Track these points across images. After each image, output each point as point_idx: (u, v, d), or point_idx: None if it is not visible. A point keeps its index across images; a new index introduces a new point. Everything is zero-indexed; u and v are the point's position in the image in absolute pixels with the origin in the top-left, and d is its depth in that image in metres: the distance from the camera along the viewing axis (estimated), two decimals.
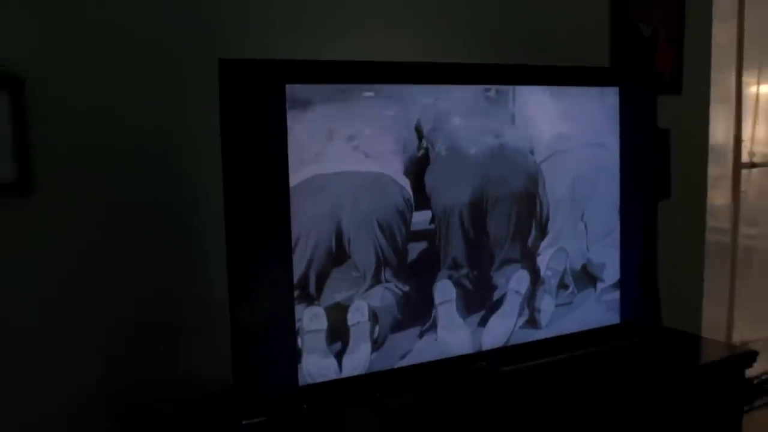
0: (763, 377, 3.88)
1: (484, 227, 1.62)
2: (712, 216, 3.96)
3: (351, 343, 1.48)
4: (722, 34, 3.68)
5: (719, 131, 3.80)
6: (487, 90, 1.62)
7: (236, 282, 1.36)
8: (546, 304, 1.72)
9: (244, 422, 1.36)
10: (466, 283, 1.61)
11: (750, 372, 4.10)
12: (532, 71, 1.72)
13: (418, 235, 1.54)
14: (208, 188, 1.54)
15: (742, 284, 3.82)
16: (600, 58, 2.32)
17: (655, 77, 2.00)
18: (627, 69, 2.03)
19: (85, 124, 1.55)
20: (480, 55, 1.99)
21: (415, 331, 1.55)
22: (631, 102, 1.81)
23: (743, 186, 3.73)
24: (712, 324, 3.97)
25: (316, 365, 1.45)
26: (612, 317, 1.82)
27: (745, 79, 4.16)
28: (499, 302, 1.66)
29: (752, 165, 3.71)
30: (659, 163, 2.45)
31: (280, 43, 1.70)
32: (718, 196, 3.88)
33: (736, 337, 3.82)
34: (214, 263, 1.51)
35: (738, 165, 3.68)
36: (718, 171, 3.87)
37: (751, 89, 4.13)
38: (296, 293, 1.41)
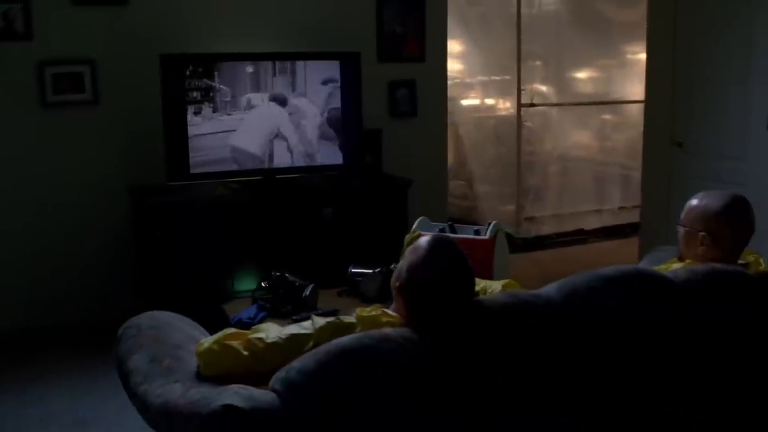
0: (552, 235, 6.12)
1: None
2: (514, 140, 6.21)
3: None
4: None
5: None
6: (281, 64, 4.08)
7: (168, 134, 3.87)
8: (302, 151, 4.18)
9: (168, 183, 3.87)
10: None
11: (540, 232, 6.36)
12: (299, 54, 4.16)
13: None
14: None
15: (528, 182, 6.08)
16: (371, 48, 4.68)
17: (357, 56, 4.33)
18: (344, 52, 4.36)
19: (119, 76, 4.08)
20: (293, 47, 4.40)
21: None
22: (346, 68, 4.21)
23: (525, 119, 5.98)
24: (512, 207, 6.29)
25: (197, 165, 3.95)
26: (338, 161, 4.26)
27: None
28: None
29: (531, 105, 5.96)
30: (408, 97, 4.80)
31: (190, 42, 4.17)
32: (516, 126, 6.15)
33: (525, 214, 6.11)
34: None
35: (519, 104, 5.92)
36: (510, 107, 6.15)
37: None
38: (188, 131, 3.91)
